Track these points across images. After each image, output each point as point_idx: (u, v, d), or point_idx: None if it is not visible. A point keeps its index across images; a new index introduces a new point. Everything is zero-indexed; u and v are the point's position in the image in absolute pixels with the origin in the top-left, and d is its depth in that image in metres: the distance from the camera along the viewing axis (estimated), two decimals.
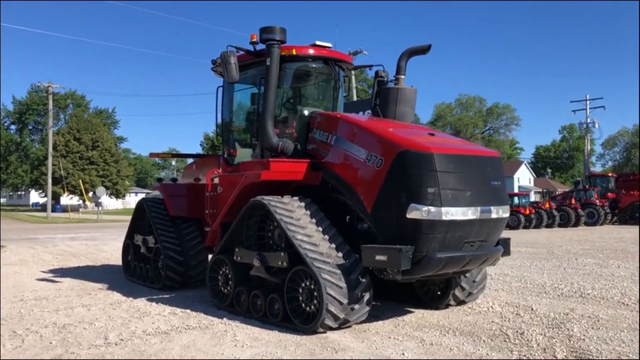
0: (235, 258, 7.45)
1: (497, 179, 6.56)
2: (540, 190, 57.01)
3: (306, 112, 8.15)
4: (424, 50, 8.27)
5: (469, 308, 7.67)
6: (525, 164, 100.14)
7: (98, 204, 42.93)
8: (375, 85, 8.52)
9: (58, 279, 10.88)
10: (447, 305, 7.62)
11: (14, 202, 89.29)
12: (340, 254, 6.52)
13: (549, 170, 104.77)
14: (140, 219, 10.29)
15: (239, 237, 7.51)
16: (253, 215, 7.35)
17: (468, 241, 6.33)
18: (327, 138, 7.36)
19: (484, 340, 6.06)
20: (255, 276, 7.20)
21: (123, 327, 6.70)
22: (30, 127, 73.31)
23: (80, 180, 52.15)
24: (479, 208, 6.26)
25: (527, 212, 31.79)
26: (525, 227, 31.14)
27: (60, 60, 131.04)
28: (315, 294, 6.27)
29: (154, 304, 8.14)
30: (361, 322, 6.76)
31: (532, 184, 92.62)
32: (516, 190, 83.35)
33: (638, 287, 9.21)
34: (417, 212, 6.00)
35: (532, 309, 7.57)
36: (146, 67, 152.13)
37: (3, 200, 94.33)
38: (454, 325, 6.72)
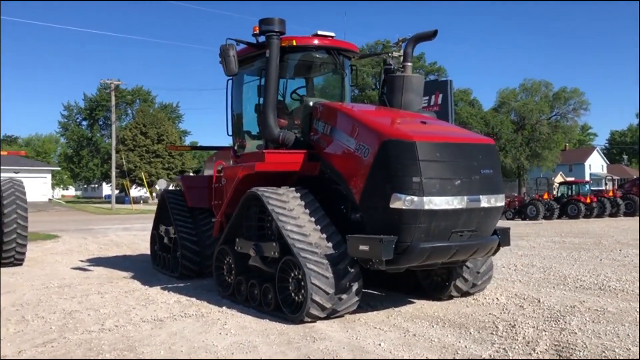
0: (236, 248, 7.59)
1: (488, 167, 6.36)
2: (611, 177, 54.55)
3: (311, 103, 8.15)
4: (429, 36, 8.12)
5: (473, 300, 7.50)
6: (597, 150, 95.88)
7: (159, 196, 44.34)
8: (382, 74, 8.43)
9: (91, 267, 11.39)
10: (451, 297, 7.48)
11: (88, 194, 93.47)
12: (330, 244, 6.52)
13: (625, 157, 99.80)
14: (164, 210, 10.61)
15: (240, 228, 7.64)
16: (252, 207, 7.45)
17: (456, 231, 6.19)
18: (325, 129, 7.35)
19: (470, 333, 5.92)
20: (253, 266, 7.31)
21: (124, 314, 6.96)
22: (100, 123, 76.35)
23: (143, 173, 54.06)
24: (465, 197, 6.10)
25: (588, 200, 30.42)
26: (586, 216, 29.83)
27: (128, 58, 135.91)
28: (302, 283, 6.30)
29: (165, 292, 8.41)
30: (355, 312, 6.76)
31: (605, 171, 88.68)
32: (587, 178, 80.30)
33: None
34: (400, 202, 5.92)
35: (539, 301, 7.32)
36: (209, 63, 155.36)
37: (79, 193, 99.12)
38: (448, 317, 6.60)
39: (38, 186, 52.85)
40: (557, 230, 20.65)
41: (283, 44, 7.79)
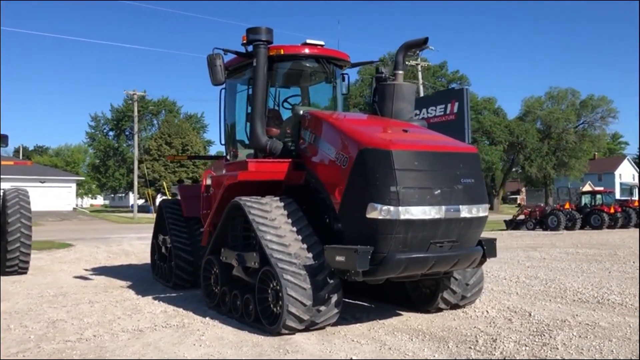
0: (221, 258, 7.55)
1: (470, 176, 6.20)
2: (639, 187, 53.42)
3: (301, 112, 8.08)
4: (420, 44, 8.02)
5: (462, 312, 7.31)
6: (628, 159, 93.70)
7: None
8: (374, 82, 8.33)
9: (93, 276, 11.47)
10: (439, 309, 7.30)
11: (115, 203, 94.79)
12: (310, 255, 6.43)
13: None
14: (163, 219, 10.62)
15: (226, 238, 7.59)
16: (237, 216, 7.40)
17: (435, 242, 6.03)
18: (311, 138, 7.27)
19: (448, 347, 5.76)
20: (237, 276, 7.25)
21: (107, 324, 6.95)
22: (126, 133, 77.49)
23: (164, 183, 54.68)
24: (444, 207, 5.95)
25: (612, 210, 29.70)
26: (610, 226, 29.13)
27: (154, 70, 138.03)
28: (280, 294, 6.21)
29: (155, 302, 8.39)
30: (337, 324, 6.65)
31: (636, 180, 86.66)
32: (617, 188, 78.46)
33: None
34: (376, 212, 5.80)
35: (530, 315, 7.09)
36: None
37: (107, 202, 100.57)
38: (430, 330, 6.44)
39: (63, 195, 53.86)
40: (575, 241, 20.19)
41: (271, 53, 7.76)
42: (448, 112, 25.57)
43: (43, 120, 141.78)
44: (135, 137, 48.21)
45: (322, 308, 6.23)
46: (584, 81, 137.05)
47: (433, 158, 6.13)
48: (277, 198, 7.13)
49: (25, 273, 11.71)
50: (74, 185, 56.82)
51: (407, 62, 38.44)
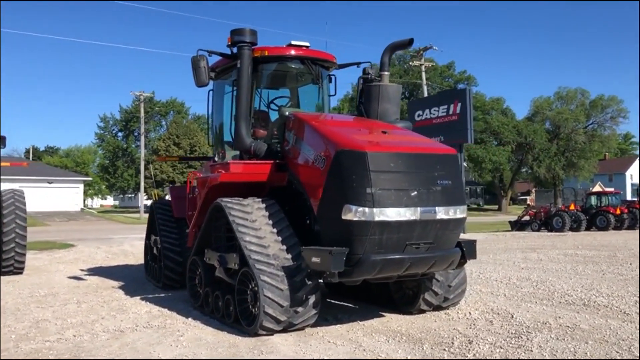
0: (205, 259, 7.58)
1: (447, 177, 6.19)
2: None
3: (286, 114, 8.10)
4: (404, 44, 7.99)
5: (445, 314, 7.29)
6: None
7: None
8: (359, 83, 8.34)
9: (87, 276, 11.55)
10: (421, 310, 7.28)
11: (125, 204, 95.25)
12: (289, 256, 6.44)
13: None
14: (154, 220, 10.68)
15: (209, 239, 7.62)
16: (220, 217, 7.42)
17: (410, 243, 6.02)
18: (294, 139, 7.28)
19: (423, 349, 5.75)
20: (219, 277, 7.27)
21: (89, 325, 6.99)
22: (135, 134, 77.86)
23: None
24: (419, 208, 5.94)
25: (618, 211, 29.45)
26: (617, 228, 28.88)
27: (163, 71, 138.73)
28: (257, 295, 6.23)
29: (142, 302, 8.44)
30: (318, 325, 6.67)
31: None
32: (629, 188, 77.70)
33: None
34: (351, 213, 5.81)
35: (512, 317, 7.06)
36: None
37: (116, 202, 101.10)
38: (409, 332, 6.43)
39: (70, 196, 54.20)
40: (577, 242, 20.04)
41: (256, 55, 7.78)
42: (451, 112, 25.74)
43: (54, 121, 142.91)
44: (142, 137, 48.56)
45: (300, 309, 6.24)
46: (593, 81, 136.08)
47: (409, 159, 6.12)
48: (260, 199, 7.15)
49: (21, 273, 11.82)
50: (81, 186, 57.17)
51: (411, 63, 38.71)
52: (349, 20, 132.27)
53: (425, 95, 31.19)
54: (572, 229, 28.59)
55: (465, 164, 66.27)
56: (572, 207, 30.61)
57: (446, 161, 6.32)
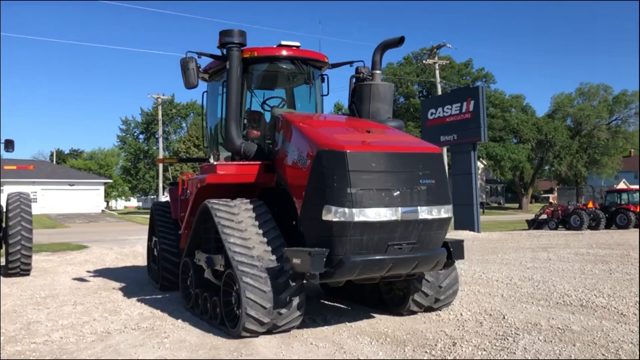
0: (195, 261, 7.59)
1: (430, 177, 6.08)
2: None
3: (277, 114, 8.07)
4: (395, 43, 7.90)
5: (436, 315, 7.18)
6: None
7: None
8: (351, 82, 8.28)
9: (91, 278, 11.66)
10: (412, 311, 7.18)
11: (147, 205, 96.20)
12: (274, 257, 6.40)
13: None
14: (154, 221, 10.74)
15: (199, 241, 7.62)
16: (209, 219, 7.40)
17: (393, 244, 5.94)
18: (282, 140, 7.25)
19: (404, 351, 5.68)
20: (207, 279, 7.27)
21: (79, 326, 7.04)
22: (156, 136, 78.66)
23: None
24: (400, 209, 5.85)
25: (639, 209, 28.85)
26: (637, 226, 28.27)
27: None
28: (240, 297, 6.20)
29: (138, 303, 8.48)
30: (305, 327, 6.63)
31: None
32: None
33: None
34: (331, 214, 5.75)
35: (504, 318, 6.94)
36: None
37: (140, 204, 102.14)
38: (395, 333, 6.35)
39: (92, 198, 54.94)
40: (592, 241, 19.66)
41: (245, 55, 7.77)
42: (464, 110, 25.51)
43: (78, 125, 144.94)
44: (160, 139, 48.99)
45: (284, 311, 6.19)
46: (616, 77, 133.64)
47: (391, 159, 6.04)
48: (248, 200, 7.13)
49: (28, 274, 11.99)
50: (102, 188, 57.92)
51: (425, 61, 38.44)
52: (362, 18, 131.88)
53: (439, 93, 30.87)
54: (590, 228, 28.09)
55: (484, 162, 65.76)
56: (590, 205, 30.10)
57: (430, 160, 6.21)
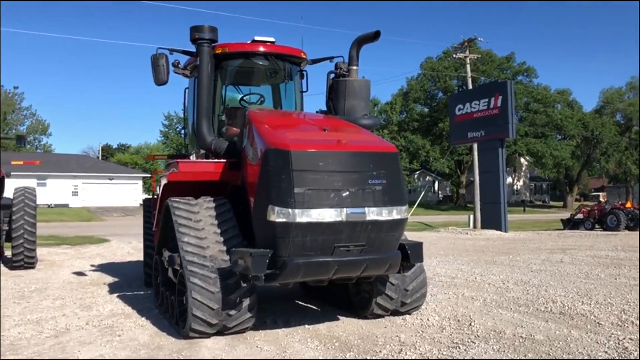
0: (162, 259, 7.55)
1: (381, 177, 5.83)
2: None
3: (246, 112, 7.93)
4: (371, 37, 7.65)
5: (402, 319, 6.93)
6: None
7: None
8: (328, 78, 8.07)
9: (90, 272, 11.84)
10: (377, 315, 6.95)
11: None
12: (227, 258, 6.28)
13: None
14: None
15: (167, 239, 7.57)
16: (171, 217, 7.35)
17: (339, 246, 5.73)
18: (245, 137, 7.12)
19: (346, 356, 5.48)
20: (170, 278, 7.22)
21: (44, 322, 7.06)
22: None
23: None
24: (345, 209, 5.63)
25: None
26: None
27: None
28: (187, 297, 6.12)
29: (115, 299, 8.53)
30: (262, 328, 6.54)
31: None
32: None
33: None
34: (274, 214, 5.58)
35: (470, 325, 6.64)
36: None
37: None
38: (348, 337, 6.15)
39: (130, 192, 56.20)
40: (623, 243, 18.83)
41: (217, 51, 7.67)
42: (491, 106, 24.85)
43: (126, 120, 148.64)
44: None
45: (233, 312, 6.07)
46: None
47: (340, 158, 5.81)
48: (211, 199, 7.03)
49: (33, 267, 12.27)
50: (140, 182, 59.18)
51: (454, 55, 37.53)
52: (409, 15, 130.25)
53: (470, 88, 30.16)
54: (628, 228, 26.97)
55: (527, 158, 64.06)
56: (628, 204, 28.87)
57: (383, 160, 5.96)
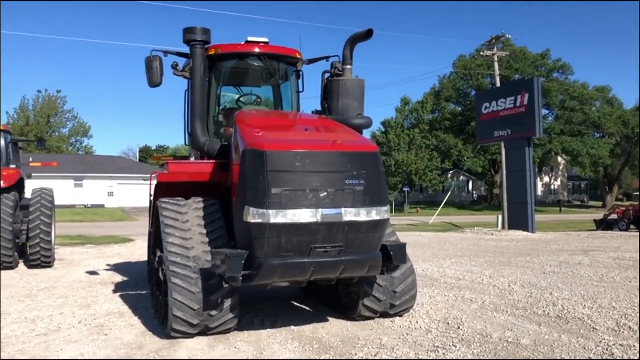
0: (155, 259, 7.62)
1: (359, 177, 5.75)
2: None
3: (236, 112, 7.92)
4: (363, 36, 7.57)
5: (390, 322, 6.84)
6: None
7: None
8: (323, 78, 8.03)
9: (104, 272, 12.05)
10: (365, 317, 6.87)
11: None
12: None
13: None
14: None
15: (159, 239, 7.63)
16: None
17: (316, 247, 5.67)
18: (233, 137, 7.13)
19: (321, 358, 5.41)
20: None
21: (39, 320, 7.22)
22: None
23: None
24: (320, 210, 5.57)
25: None
26: None
27: None
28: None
29: (116, 299, 8.66)
30: (249, 328, 6.57)
31: None
32: None
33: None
34: (250, 215, 5.57)
35: (459, 327, 6.50)
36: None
37: None
38: (329, 339, 6.10)
39: None
40: None
41: (210, 52, 7.71)
42: (518, 104, 24.35)
43: (164, 123, 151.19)
44: None
45: (215, 312, 6.08)
46: None
47: (317, 158, 5.75)
48: (201, 199, 7.06)
49: (50, 266, 12.56)
50: None
51: (482, 53, 36.90)
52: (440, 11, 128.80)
53: (498, 85, 29.60)
54: None
55: (565, 157, 62.57)
56: None
57: (362, 160, 5.87)
